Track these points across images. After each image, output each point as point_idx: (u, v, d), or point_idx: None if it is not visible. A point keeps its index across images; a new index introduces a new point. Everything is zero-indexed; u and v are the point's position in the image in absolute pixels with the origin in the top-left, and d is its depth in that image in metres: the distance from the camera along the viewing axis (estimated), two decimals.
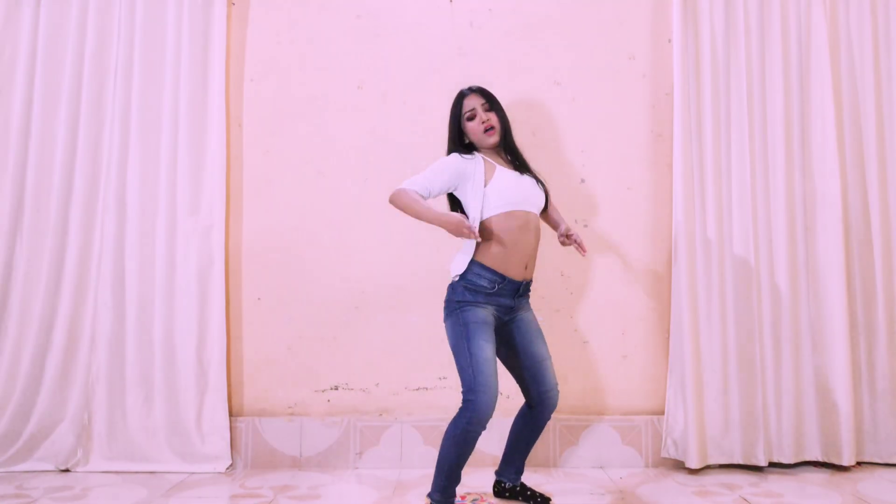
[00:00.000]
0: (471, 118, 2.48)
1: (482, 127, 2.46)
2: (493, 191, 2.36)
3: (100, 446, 3.02)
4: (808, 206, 3.11)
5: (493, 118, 2.48)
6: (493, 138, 2.47)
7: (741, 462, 3.00)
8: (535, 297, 2.90)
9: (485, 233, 2.36)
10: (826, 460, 3.02)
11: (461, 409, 2.26)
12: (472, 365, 2.23)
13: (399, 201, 2.35)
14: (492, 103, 2.51)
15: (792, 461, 3.02)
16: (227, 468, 3.03)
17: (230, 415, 3.09)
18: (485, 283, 2.33)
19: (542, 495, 2.60)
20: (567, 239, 2.55)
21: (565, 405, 3.13)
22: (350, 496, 2.73)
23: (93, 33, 3.14)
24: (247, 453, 3.09)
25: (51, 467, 3.00)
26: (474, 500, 2.65)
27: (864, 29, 3.16)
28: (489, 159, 2.48)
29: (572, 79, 3.19)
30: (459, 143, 2.53)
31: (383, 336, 3.14)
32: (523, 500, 2.61)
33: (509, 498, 2.64)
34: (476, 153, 2.50)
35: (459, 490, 2.74)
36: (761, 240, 3.09)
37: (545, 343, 2.53)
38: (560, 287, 3.15)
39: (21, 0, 3.16)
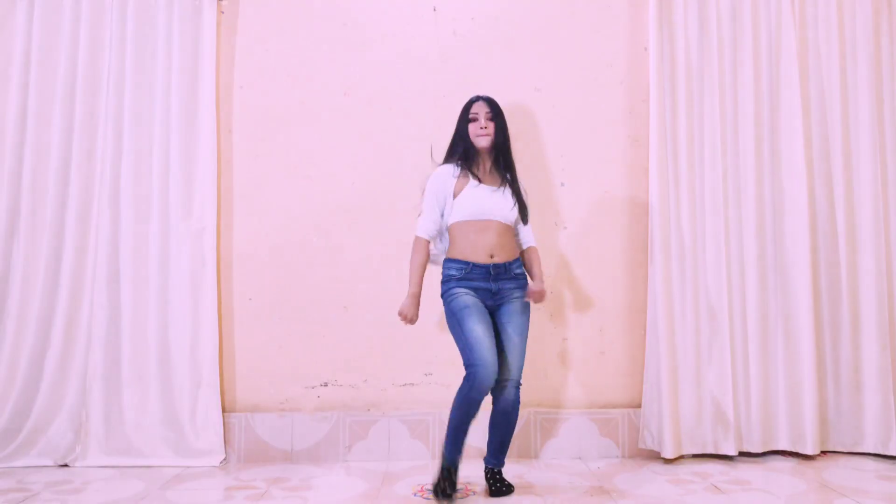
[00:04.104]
0: (472, 120, 2.76)
1: (478, 131, 2.74)
2: (458, 204, 2.72)
3: (97, 442, 3.11)
4: (777, 206, 3.25)
5: (490, 127, 2.75)
6: (484, 141, 2.75)
7: (713, 452, 3.14)
8: None
9: (452, 234, 2.74)
10: (792, 449, 3.17)
11: (464, 379, 2.57)
12: (468, 344, 2.56)
13: (412, 251, 2.76)
14: (495, 114, 2.78)
15: (760, 450, 3.17)
16: (221, 462, 3.13)
17: (223, 411, 3.19)
18: (454, 272, 2.69)
19: (501, 485, 2.74)
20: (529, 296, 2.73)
21: (546, 399, 3.26)
22: (340, 487, 2.85)
23: (85, 41, 3.21)
24: (240, 447, 3.19)
25: (50, 462, 3.09)
26: (459, 489, 2.76)
27: (832, 39, 3.28)
28: (470, 173, 2.74)
29: (552, 86, 3.31)
30: (460, 143, 2.79)
31: (371, 334, 3.25)
32: (489, 484, 2.77)
33: (486, 479, 2.79)
34: (461, 166, 2.77)
35: None
36: (732, 240, 3.22)
37: (520, 335, 2.67)
38: None
39: (14, 8, 3.23)
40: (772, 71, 3.27)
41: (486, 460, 2.78)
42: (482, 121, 2.74)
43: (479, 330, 2.57)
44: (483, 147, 2.75)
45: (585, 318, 3.29)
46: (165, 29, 3.23)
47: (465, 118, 2.78)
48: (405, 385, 3.25)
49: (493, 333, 2.63)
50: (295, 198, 3.28)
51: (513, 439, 3.17)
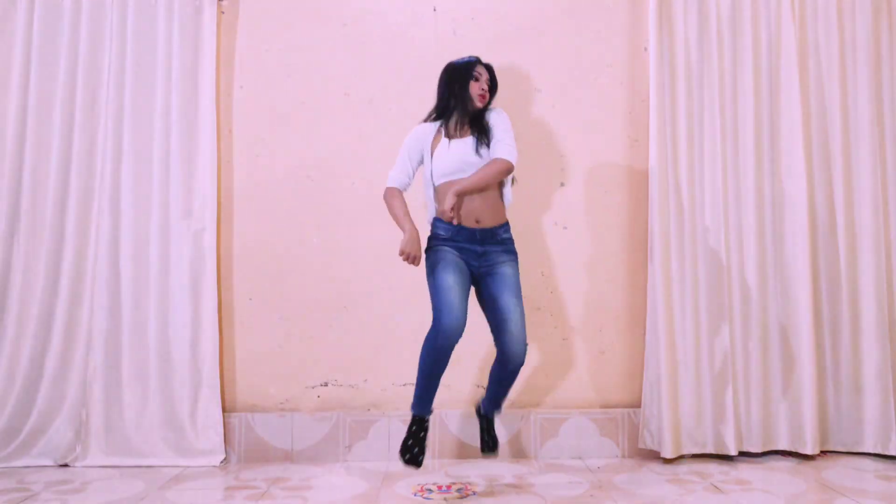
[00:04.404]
0: (476, 79, 2.77)
1: (478, 92, 2.75)
2: (437, 163, 2.73)
3: (97, 442, 3.12)
4: (777, 207, 3.25)
5: (487, 94, 2.79)
6: (479, 105, 2.77)
7: (713, 451, 3.14)
8: None
9: (438, 195, 2.74)
10: (792, 449, 3.17)
11: (430, 327, 2.55)
12: (436, 290, 2.59)
13: (385, 202, 2.80)
14: (493, 83, 2.83)
15: (760, 450, 3.18)
16: (221, 462, 3.14)
17: (223, 410, 3.19)
18: (441, 231, 2.71)
19: (491, 438, 2.81)
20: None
21: (546, 399, 3.27)
22: (340, 487, 2.85)
23: (85, 41, 3.21)
24: (240, 447, 3.20)
25: (50, 462, 3.10)
26: (459, 489, 2.78)
27: (831, 37, 3.28)
28: (445, 129, 2.77)
29: (552, 86, 3.32)
30: (457, 98, 2.75)
31: (371, 334, 3.25)
32: (481, 427, 2.83)
33: (478, 419, 2.85)
34: (433, 123, 2.81)
35: (445, 480, 2.88)
36: (732, 240, 3.23)
37: (515, 297, 2.66)
38: (540, 286, 3.28)
39: (15, 8, 3.23)
40: (772, 71, 3.27)
41: (482, 405, 2.81)
42: (483, 84, 2.76)
43: (449, 279, 2.58)
44: (476, 108, 2.75)
45: (585, 318, 3.29)
46: (165, 29, 3.24)
47: (467, 75, 2.75)
48: (405, 385, 3.25)
49: (466, 286, 2.63)
50: (295, 197, 3.29)
51: (513, 440, 3.21)
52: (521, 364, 2.65)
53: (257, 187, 3.29)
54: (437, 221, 2.73)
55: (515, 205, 3.03)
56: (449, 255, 2.65)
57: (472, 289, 2.72)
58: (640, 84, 3.32)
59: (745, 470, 3.01)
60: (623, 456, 3.24)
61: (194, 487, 2.84)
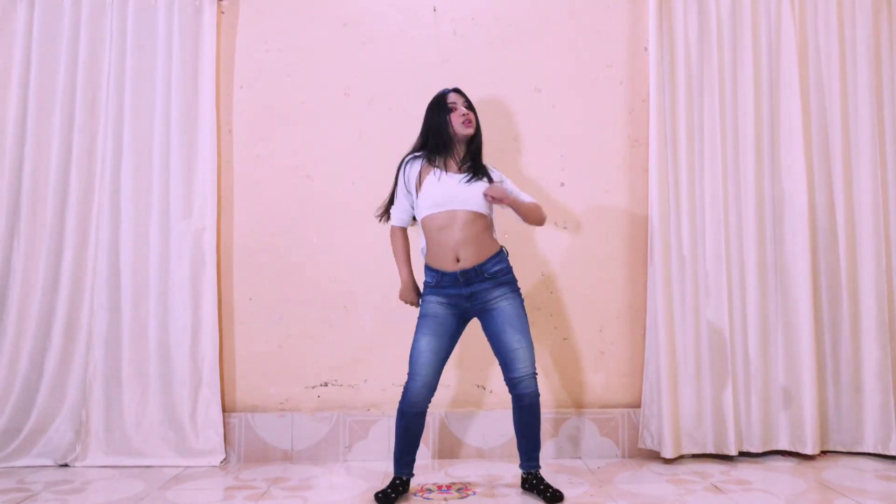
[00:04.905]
0: (452, 109, 2.72)
1: (462, 119, 2.71)
2: (422, 195, 2.69)
3: (97, 442, 3.12)
4: (777, 207, 3.25)
5: (471, 115, 2.75)
6: (470, 130, 2.73)
7: (713, 451, 3.15)
8: None
9: (424, 233, 2.72)
10: (792, 449, 3.17)
11: (403, 391, 2.65)
12: (411, 354, 2.65)
13: (390, 242, 2.84)
14: (469, 103, 2.78)
15: (760, 450, 3.18)
16: (221, 462, 3.14)
17: (223, 410, 3.19)
18: (429, 279, 2.71)
19: (553, 490, 2.64)
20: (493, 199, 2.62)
21: (546, 399, 3.26)
22: (340, 487, 2.86)
23: (85, 41, 3.21)
24: (240, 447, 3.20)
25: (50, 462, 3.10)
26: (459, 489, 2.78)
27: (831, 38, 3.29)
28: (433, 162, 2.71)
29: (552, 86, 3.31)
30: (437, 135, 2.71)
31: (371, 334, 3.25)
32: (533, 490, 2.69)
33: (527, 488, 2.74)
34: (421, 157, 2.74)
35: (445, 480, 2.88)
36: (732, 240, 3.23)
37: (520, 331, 2.63)
38: (540, 287, 3.28)
39: (15, 8, 3.24)
40: (772, 71, 3.27)
41: (522, 465, 2.74)
42: (462, 108, 2.71)
43: (423, 342, 2.62)
44: (466, 135, 2.71)
45: (585, 318, 3.29)
46: (165, 29, 3.24)
47: (442, 108, 2.71)
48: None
49: (445, 345, 2.63)
50: (295, 197, 3.29)
51: (513, 440, 3.19)
52: (535, 394, 2.63)
53: (257, 187, 3.29)
54: (426, 268, 2.71)
55: None
56: (433, 307, 2.65)
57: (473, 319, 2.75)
58: (640, 84, 3.32)
59: (745, 470, 3.01)
60: (623, 456, 3.24)
61: (194, 487, 2.84)
